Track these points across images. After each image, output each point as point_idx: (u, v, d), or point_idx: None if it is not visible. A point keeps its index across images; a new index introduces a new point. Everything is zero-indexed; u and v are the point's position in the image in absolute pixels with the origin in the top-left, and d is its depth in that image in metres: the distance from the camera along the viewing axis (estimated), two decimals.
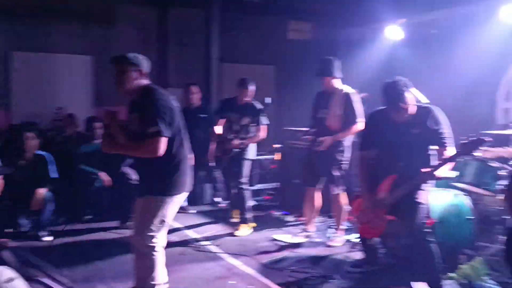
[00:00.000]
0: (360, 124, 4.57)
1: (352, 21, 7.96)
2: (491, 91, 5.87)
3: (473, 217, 4.23)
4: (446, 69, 6.07)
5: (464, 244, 4.20)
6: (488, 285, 3.60)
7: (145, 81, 3.11)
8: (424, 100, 4.59)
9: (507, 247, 2.21)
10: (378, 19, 7.24)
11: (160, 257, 3.13)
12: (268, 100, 5.07)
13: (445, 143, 3.44)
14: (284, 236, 5.04)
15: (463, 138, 3.24)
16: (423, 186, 3.54)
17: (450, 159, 3.35)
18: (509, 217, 3.56)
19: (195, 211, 6.18)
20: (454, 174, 4.38)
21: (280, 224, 5.60)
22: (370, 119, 3.85)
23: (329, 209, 5.67)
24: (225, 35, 7.78)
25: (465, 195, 4.36)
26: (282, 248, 4.74)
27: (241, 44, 8.33)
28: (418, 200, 3.50)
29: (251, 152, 5.41)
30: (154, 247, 3.08)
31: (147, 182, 3.16)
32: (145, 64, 3.12)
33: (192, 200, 6.15)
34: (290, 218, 5.71)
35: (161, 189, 3.08)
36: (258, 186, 6.73)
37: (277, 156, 6.64)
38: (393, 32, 6.88)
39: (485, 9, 5.85)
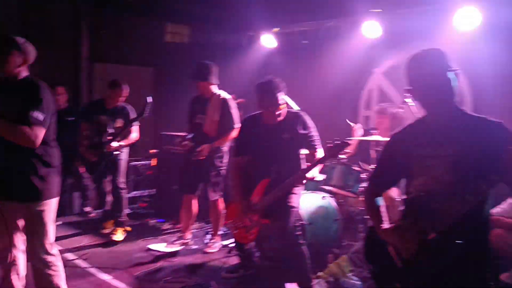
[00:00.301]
0: (237, 130, 4.62)
1: (229, 27, 8.06)
2: (354, 100, 6.35)
3: (339, 218, 4.52)
4: (315, 78, 6.42)
5: (331, 244, 4.47)
6: (352, 281, 3.87)
7: (25, 72, 2.87)
8: (295, 107, 4.80)
9: (366, 244, 2.37)
10: (253, 26, 7.42)
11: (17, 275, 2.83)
12: (149, 99, 4.90)
13: (315, 146, 3.65)
14: (159, 245, 4.88)
15: (329, 142, 3.43)
16: (295, 189, 3.68)
17: (319, 161, 3.53)
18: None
19: (60, 222, 5.68)
20: (321, 177, 4.65)
21: (155, 232, 5.41)
22: (243, 125, 3.90)
23: (206, 215, 5.65)
24: (97, 34, 7.34)
25: (331, 197, 4.65)
26: (157, 258, 4.58)
27: (116, 44, 7.93)
28: (290, 204, 3.63)
29: (125, 155, 5.22)
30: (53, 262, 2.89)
31: (24, 183, 2.80)
32: (32, 54, 2.90)
33: (59, 210, 5.64)
34: (166, 226, 5.55)
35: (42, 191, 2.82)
36: (134, 193, 6.45)
37: (153, 162, 6.43)
38: (268, 40, 7.10)
39: (349, 23, 6.32)
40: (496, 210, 3.97)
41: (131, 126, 5.02)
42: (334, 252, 4.32)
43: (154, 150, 6.46)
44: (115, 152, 4.99)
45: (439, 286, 2.01)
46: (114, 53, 7.77)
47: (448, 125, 2.03)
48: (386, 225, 2.20)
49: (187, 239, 4.94)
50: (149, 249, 4.79)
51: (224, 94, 4.81)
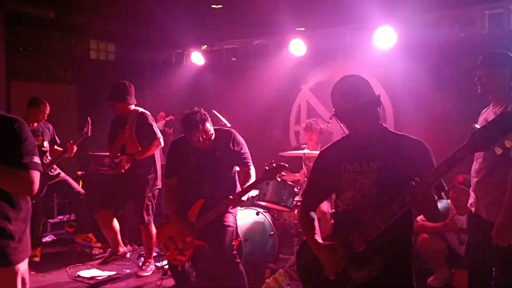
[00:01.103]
0: (158, 141, 4.54)
1: (157, 44, 7.99)
2: (285, 115, 6.50)
3: (274, 232, 4.58)
4: (245, 95, 6.49)
5: (268, 259, 4.50)
6: None
7: None
8: (226, 123, 4.83)
9: (298, 259, 2.43)
10: (181, 44, 7.40)
11: None
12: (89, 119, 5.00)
13: (247, 163, 3.68)
14: (90, 271, 4.65)
15: (266, 164, 3.46)
16: (230, 209, 3.67)
17: (254, 185, 3.57)
18: None
19: None
20: (255, 193, 4.70)
21: (85, 258, 5.14)
22: (173, 146, 3.81)
23: (138, 238, 5.47)
24: (14, 51, 6.95)
25: (266, 212, 4.69)
26: (88, 286, 4.35)
27: (36, 62, 7.54)
28: (226, 223, 3.61)
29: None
30: None
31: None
32: None
33: None
34: (96, 250, 5.29)
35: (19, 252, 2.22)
36: (59, 218, 6.11)
37: (81, 184, 6.13)
38: (197, 58, 7.11)
39: (277, 41, 6.50)
40: (420, 217, 4.22)
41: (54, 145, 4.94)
42: (271, 267, 4.35)
43: (81, 172, 6.17)
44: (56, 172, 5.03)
45: None
46: (34, 71, 7.39)
47: (373, 142, 2.15)
48: (318, 239, 2.26)
49: (121, 252, 4.80)
50: (79, 276, 4.54)
51: (140, 109, 4.69)
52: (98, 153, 6.05)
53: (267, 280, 4.05)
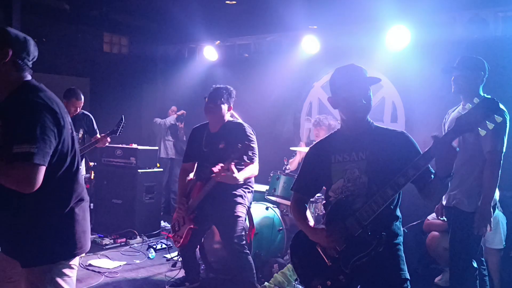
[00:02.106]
0: None
1: (170, 39, 8.03)
2: (296, 112, 6.52)
3: (283, 228, 4.62)
4: (257, 91, 6.52)
5: (276, 253, 4.55)
6: None
7: (27, 76, 2.06)
8: (238, 118, 4.86)
9: (293, 248, 2.49)
10: (194, 38, 7.44)
11: None
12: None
13: (252, 158, 3.72)
14: (101, 261, 4.72)
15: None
16: (240, 199, 3.73)
17: (246, 171, 3.65)
18: None
19: None
20: (264, 188, 4.74)
21: (96, 248, 5.22)
22: (191, 133, 4.06)
23: (147, 230, 5.55)
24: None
25: (275, 207, 4.74)
26: (98, 274, 4.42)
27: (50, 53, 7.62)
28: (236, 213, 3.67)
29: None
30: None
31: (17, 241, 2.02)
32: (31, 47, 2.08)
33: None
34: (106, 241, 5.37)
35: (44, 253, 1.99)
36: None
37: (92, 175, 6.22)
38: (209, 53, 7.14)
39: (289, 38, 6.52)
40: (431, 215, 4.24)
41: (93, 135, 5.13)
42: (279, 262, 4.39)
43: (92, 163, 6.25)
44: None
45: (366, 278, 2.21)
46: (48, 63, 7.47)
47: (362, 133, 2.29)
48: (314, 225, 2.38)
49: None
50: (90, 265, 4.62)
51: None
52: (110, 145, 6.12)
53: (275, 274, 4.09)
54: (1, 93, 1.99)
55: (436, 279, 4.18)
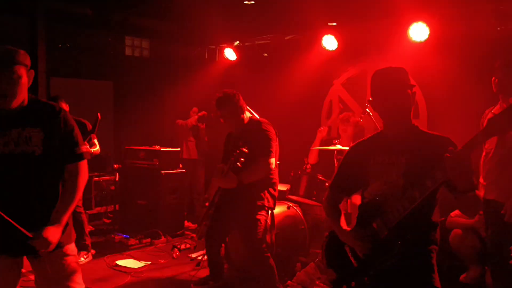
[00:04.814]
0: None
1: (190, 41, 8.11)
2: (316, 110, 6.52)
3: (305, 227, 4.63)
4: (277, 90, 6.54)
5: (299, 252, 4.56)
6: None
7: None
8: (258, 118, 4.89)
9: (325, 248, 2.50)
10: (213, 40, 7.50)
11: None
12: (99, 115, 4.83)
13: (265, 151, 3.71)
14: (126, 261, 4.82)
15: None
16: (260, 202, 3.77)
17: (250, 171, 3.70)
18: None
19: None
20: (286, 187, 4.76)
21: (121, 248, 5.33)
22: (226, 138, 4.17)
23: (173, 230, 5.63)
24: (54, 47, 7.20)
25: (296, 206, 4.75)
26: (125, 274, 4.52)
27: (74, 58, 7.80)
28: (257, 217, 3.72)
29: None
30: None
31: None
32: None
33: None
34: (132, 241, 5.48)
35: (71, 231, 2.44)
36: (97, 209, 6.34)
37: (117, 177, 6.34)
38: (229, 54, 7.19)
39: (308, 36, 6.50)
40: (454, 212, 4.20)
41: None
42: (302, 260, 4.41)
43: (118, 165, 6.37)
44: None
45: (391, 281, 2.16)
46: (72, 67, 7.64)
47: (403, 136, 2.23)
48: (344, 226, 2.37)
49: None
50: (117, 265, 4.72)
51: None
52: (133, 147, 6.25)
53: (298, 273, 4.11)
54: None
55: (461, 277, 4.13)
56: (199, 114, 7.57)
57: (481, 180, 3.27)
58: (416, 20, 5.14)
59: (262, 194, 3.78)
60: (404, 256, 2.10)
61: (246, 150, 3.58)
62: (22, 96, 2.23)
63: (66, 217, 2.28)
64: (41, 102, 2.34)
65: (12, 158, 2.19)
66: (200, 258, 4.82)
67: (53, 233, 2.17)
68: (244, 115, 3.89)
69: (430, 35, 5.13)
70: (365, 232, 2.20)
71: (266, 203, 3.81)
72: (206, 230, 3.89)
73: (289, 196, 4.76)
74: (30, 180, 2.23)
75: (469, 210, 2.18)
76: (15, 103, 2.21)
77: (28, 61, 2.25)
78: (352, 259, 2.27)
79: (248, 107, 4.85)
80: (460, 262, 4.21)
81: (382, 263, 2.14)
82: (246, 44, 7.23)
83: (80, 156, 2.33)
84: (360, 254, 2.22)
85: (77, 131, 2.35)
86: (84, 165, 2.36)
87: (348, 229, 2.32)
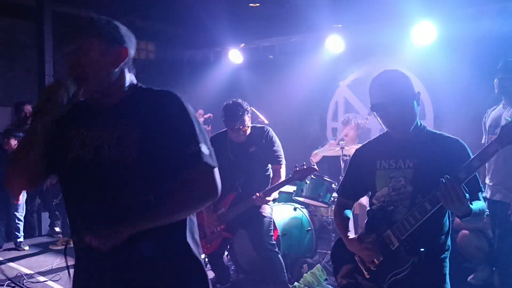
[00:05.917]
0: None
1: (196, 43, 8.13)
2: (322, 112, 6.52)
3: (311, 228, 4.63)
4: (282, 92, 6.55)
5: (305, 254, 4.56)
6: None
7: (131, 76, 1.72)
8: (264, 120, 4.90)
9: (334, 255, 2.45)
10: (219, 42, 7.51)
11: None
12: None
13: (279, 161, 3.77)
14: None
15: (297, 165, 3.64)
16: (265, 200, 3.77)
17: (282, 184, 3.69)
18: None
19: (27, 248, 5.50)
20: (292, 189, 4.76)
21: None
22: (211, 141, 3.93)
23: None
24: (61, 51, 7.24)
25: (303, 208, 4.75)
26: None
27: None
28: (263, 213, 3.72)
29: None
30: None
31: None
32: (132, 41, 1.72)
33: (28, 232, 5.57)
34: None
35: None
36: None
37: None
38: (235, 56, 7.21)
39: (313, 38, 6.51)
40: None
41: None
42: (309, 262, 4.40)
43: None
44: None
45: None
46: None
47: (410, 139, 2.12)
48: (352, 236, 2.26)
49: None
50: None
51: None
52: None
53: (304, 274, 4.11)
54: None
55: (469, 278, 4.11)
56: (205, 116, 7.58)
57: (486, 180, 3.26)
58: (422, 20, 5.14)
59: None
60: (416, 268, 2.02)
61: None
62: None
63: None
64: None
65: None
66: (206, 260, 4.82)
67: None
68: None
69: (435, 35, 5.13)
70: (376, 243, 2.11)
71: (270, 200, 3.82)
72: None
73: (295, 197, 4.76)
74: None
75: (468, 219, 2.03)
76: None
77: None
78: (363, 269, 2.17)
79: (254, 109, 4.87)
80: (468, 263, 4.19)
81: (395, 276, 2.06)
82: (252, 46, 7.25)
83: None
84: (371, 266, 2.13)
85: None
86: None
87: (356, 238, 2.21)
